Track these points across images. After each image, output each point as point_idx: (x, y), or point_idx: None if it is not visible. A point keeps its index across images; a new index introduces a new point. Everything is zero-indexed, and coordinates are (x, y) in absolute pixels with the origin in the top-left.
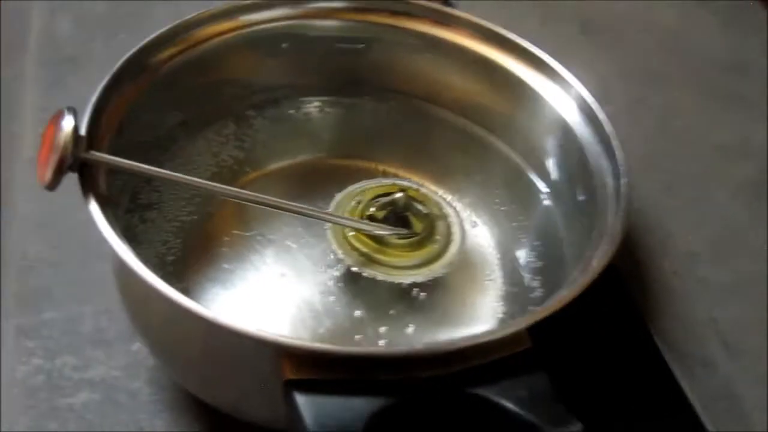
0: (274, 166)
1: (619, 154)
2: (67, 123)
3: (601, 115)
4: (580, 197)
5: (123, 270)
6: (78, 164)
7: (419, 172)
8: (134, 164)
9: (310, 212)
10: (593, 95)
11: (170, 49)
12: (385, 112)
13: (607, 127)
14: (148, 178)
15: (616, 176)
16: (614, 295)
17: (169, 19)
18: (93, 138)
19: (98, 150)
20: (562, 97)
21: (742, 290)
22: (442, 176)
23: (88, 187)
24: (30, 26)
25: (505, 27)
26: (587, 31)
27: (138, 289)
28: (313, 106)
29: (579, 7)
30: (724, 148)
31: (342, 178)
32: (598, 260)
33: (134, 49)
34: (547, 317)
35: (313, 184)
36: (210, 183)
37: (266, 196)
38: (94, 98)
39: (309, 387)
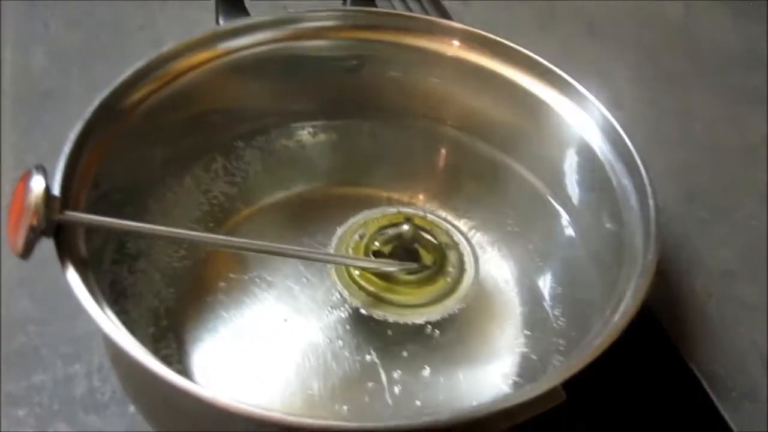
0: (269, 199)
1: (644, 174)
2: (37, 184)
3: (623, 134)
4: (604, 220)
5: (110, 344)
6: (52, 228)
7: (425, 196)
8: (113, 221)
9: (311, 255)
10: (604, 100)
11: (146, 87)
12: (384, 134)
13: (631, 146)
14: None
15: (642, 198)
16: (646, 326)
17: (148, 48)
18: (68, 195)
19: (75, 205)
20: (581, 114)
21: None
22: (450, 199)
23: (65, 252)
24: (3, 60)
25: (508, 31)
26: (593, 32)
27: (127, 364)
28: (306, 131)
29: (582, 7)
30: (747, 151)
31: (343, 208)
32: (633, 300)
33: (105, 93)
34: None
35: (312, 216)
36: (197, 234)
37: (261, 242)
38: (66, 151)
39: None
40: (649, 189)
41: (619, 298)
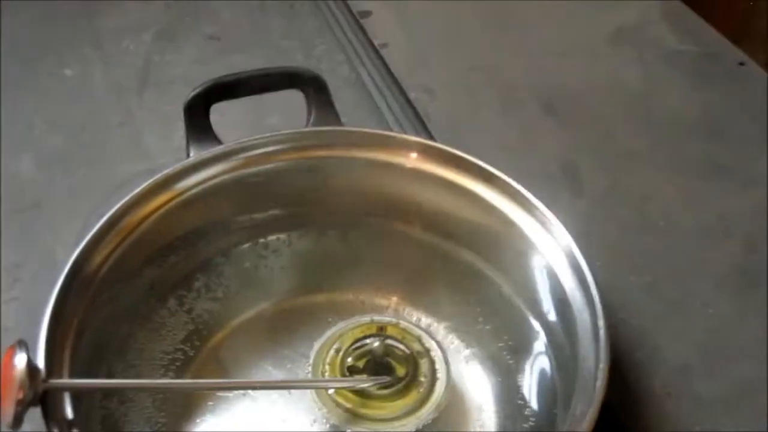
0: (251, 312)
1: (598, 306)
2: (20, 361)
3: (580, 259)
4: (561, 330)
5: None
6: (38, 397)
7: (398, 298)
8: (94, 382)
9: (289, 385)
10: (565, 187)
11: (113, 240)
12: (354, 238)
13: (587, 274)
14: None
15: (594, 319)
16: (606, 424)
17: (128, 145)
18: (52, 358)
19: (59, 364)
20: (540, 230)
21: (739, 402)
22: (421, 300)
23: (52, 420)
24: None
25: (471, 118)
26: (551, 111)
27: None
28: (279, 242)
29: (540, 86)
30: (704, 231)
31: (320, 315)
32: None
33: (74, 256)
34: None
35: (292, 326)
36: (180, 382)
37: (242, 381)
38: (44, 323)
39: None
40: (599, 312)
41: (574, 420)
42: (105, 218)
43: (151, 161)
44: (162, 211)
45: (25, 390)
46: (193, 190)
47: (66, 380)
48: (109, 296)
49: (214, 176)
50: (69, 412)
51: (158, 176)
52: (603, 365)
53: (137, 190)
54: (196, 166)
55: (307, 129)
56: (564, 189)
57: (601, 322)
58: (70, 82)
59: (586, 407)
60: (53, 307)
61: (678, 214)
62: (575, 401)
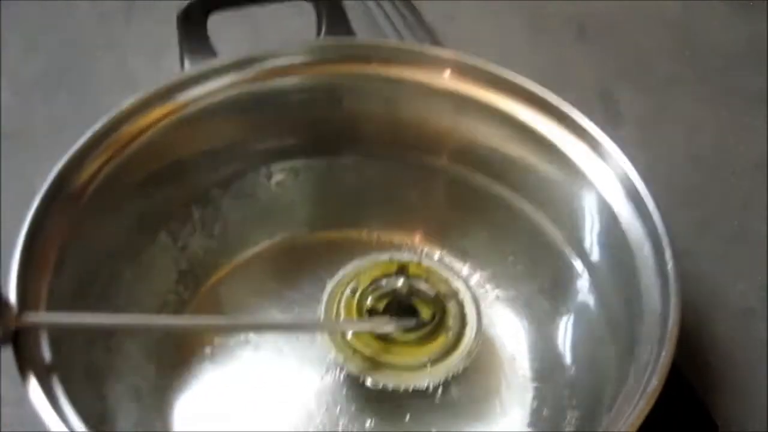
0: (252, 250)
1: (662, 234)
2: None
3: (640, 185)
4: (615, 271)
5: None
6: (9, 336)
7: (420, 236)
8: (75, 318)
9: (300, 325)
10: (601, 119)
11: (100, 157)
12: (371, 170)
13: (649, 203)
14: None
15: (659, 255)
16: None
17: (113, 71)
18: (27, 292)
19: (35, 297)
20: (590, 156)
21: None
22: (447, 239)
23: (25, 360)
24: None
25: (496, 45)
26: (584, 38)
27: None
28: (285, 173)
29: (572, 11)
30: (757, 164)
31: (331, 255)
32: (656, 379)
33: (53, 174)
34: None
35: (299, 266)
36: (174, 318)
37: (244, 319)
38: (17, 249)
39: None
40: (667, 252)
41: (642, 366)
42: (93, 129)
43: (138, 87)
44: (158, 126)
45: None
46: (193, 106)
47: (43, 314)
48: (93, 224)
49: (220, 89)
50: (47, 355)
51: (157, 86)
52: (674, 299)
53: (131, 100)
54: (197, 78)
55: (326, 40)
56: (601, 119)
57: (668, 254)
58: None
59: (657, 352)
60: (29, 228)
61: (728, 147)
62: (639, 347)
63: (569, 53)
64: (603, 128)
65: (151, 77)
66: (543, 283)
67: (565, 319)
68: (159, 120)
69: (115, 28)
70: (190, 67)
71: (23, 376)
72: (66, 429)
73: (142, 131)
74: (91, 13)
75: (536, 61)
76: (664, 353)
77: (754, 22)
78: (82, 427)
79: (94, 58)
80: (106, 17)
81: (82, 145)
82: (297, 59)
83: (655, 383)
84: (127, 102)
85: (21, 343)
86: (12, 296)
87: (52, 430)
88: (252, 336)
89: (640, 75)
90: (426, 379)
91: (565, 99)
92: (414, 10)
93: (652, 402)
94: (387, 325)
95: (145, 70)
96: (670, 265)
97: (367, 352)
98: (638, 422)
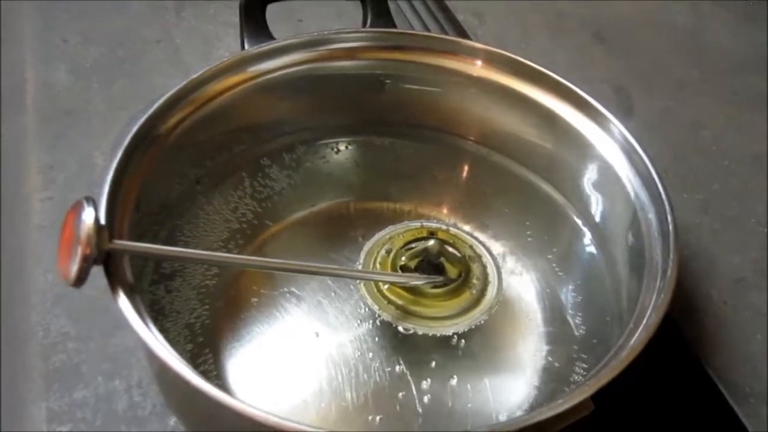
0: (296, 216)
1: (662, 190)
2: (88, 216)
3: (641, 152)
4: (623, 233)
5: (156, 362)
6: (102, 256)
7: (448, 209)
8: (156, 248)
9: (339, 272)
10: (616, 110)
11: (179, 113)
12: (406, 149)
13: (649, 164)
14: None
15: (661, 214)
16: (665, 333)
17: (166, 62)
18: (113, 223)
19: (119, 230)
20: (599, 132)
21: None
22: (471, 212)
23: (114, 278)
24: (25, 79)
25: (521, 43)
26: (601, 40)
27: (171, 380)
28: (330, 148)
29: (589, 16)
30: (755, 157)
31: (368, 222)
32: (656, 315)
33: (140, 121)
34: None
35: (338, 231)
36: (231, 256)
37: (291, 261)
38: (107, 183)
39: None
40: (667, 206)
41: (641, 310)
42: (177, 87)
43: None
44: (231, 92)
45: (92, 246)
46: (265, 77)
47: (129, 242)
48: (167, 172)
49: (284, 66)
50: (131, 277)
51: (233, 57)
52: (673, 255)
53: (210, 66)
54: (269, 53)
55: (381, 30)
56: (615, 112)
57: (669, 216)
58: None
59: (657, 298)
60: (116, 167)
61: (732, 141)
62: (642, 296)
63: (587, 53)
64: (615, 115)
65: (201, 67)
66: (557, 253)
67: (575, 284)
68: (232, 87)
69: (168, 21)
70: (270, 42)
71: (113, 290)
72: (150, 332)
73: (218, 94)
74: (144, 8)
75: (557, 58)
76: (662, 296)
77: (759, 29)
78: (160, 335)
79: (148, 49)
80: (158, 12)
81: (166, 99)
82: (352, 44)
83: (654, 319)
84: (206, 68)
85: (111, 264)
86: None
87: (138, 332)
88: (294, 289)
89: (652, 74)
90: (451, 329)
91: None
92: (446, 8)
93: (651, 333)
94: (417, 280)
95: (195, 61)
96: (670, 221)
97: (400, 302)
98: (634, 354)
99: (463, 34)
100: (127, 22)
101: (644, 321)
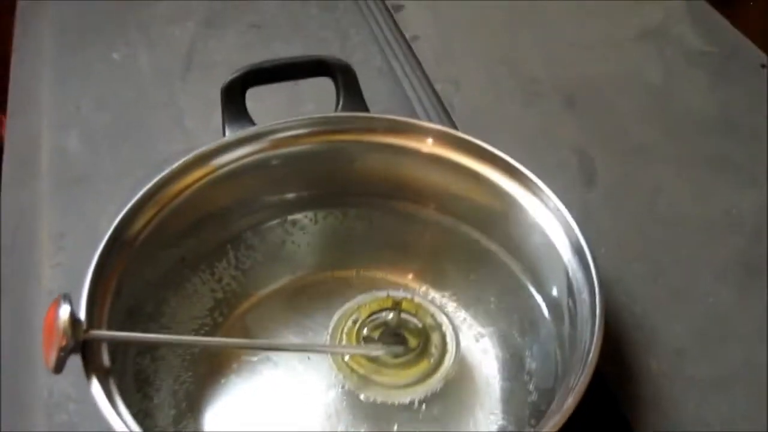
0: (277, 284)
1: (595, 276)
2: (64, 312)
3: (577, 231)
4: (564, 306)
5: None
6: (79, 346)
7: (414, 276)
8: (132, 336)
9: (309, 348)
10: (578, 178)
11: (151, 209)
12: (374, 218)
13: (586, 249)
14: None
15: (591, 296)
16: (600, 404)
17: (170, 125)
18: (92, 314)
19: (99, 318)
20: (542, 209)
21: (732, 384)
22: (435, 278)
23: (90, 367)
24: (39, 145)
25: (494, 109)
26: (571, 104)
27: None
28: (306, 220)
29: (564, 79)
30: (710, 224)
31: (341, 289)
32: (573, 399)
33: (115, 223)
34: None
35: (314, 299)
36: (208, 339)
37: (266, 341)
38: (87, 280)
39: None
40: (597, 290)
41: (565, 390)
42: (145, 189)
43: (190, 141)
44: (197, 185)
45: (67, 338)
46: (227, 168)
47: (105, 332)
48: (145, 262)
49: (247, 155)
50: (106, 362)
51: (195, 153)
52: (597, 335)
53: (175, 165)
54: (230, 145)
55: (331, 114)
56: (578, 180)
57: (597, 299)
58: (118, 65)
59: (579, 376)
60: (95, 266)
61: (686, 207)
62: (571, 373)
63: (556, 118)
64: (569, 192)
65: (201, 132)
66: (516, 320)
67: (530, 350)
68: (197, 180)
69: (173, 87)
70: (226, 136)
71: (88, 378)
72: (120, 421)
73: (184, 189)
74: (151, 74)
75: (527, 124)
76: (582, 379)
77: (728, 91)
78: (132, 420)
79: (154, 114)
80: (165, 78)
81: (137, 201)
82: (309, 130)
83: (570, 403)
84: (172, 166)
85: (87, 352)
86: (82, 316)
87: (109, 421)
88: (272, 356)
89: (616, 138)
90: (408, 396)
91: (547, 158)
92: (428, 80)
93: (566, 417)
94: (378, 350)
95: (196, 126)
96: (598, 303)
97: (362, 371)
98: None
99: (440, 103)
100: (136, 88)
101: (563, 406)
